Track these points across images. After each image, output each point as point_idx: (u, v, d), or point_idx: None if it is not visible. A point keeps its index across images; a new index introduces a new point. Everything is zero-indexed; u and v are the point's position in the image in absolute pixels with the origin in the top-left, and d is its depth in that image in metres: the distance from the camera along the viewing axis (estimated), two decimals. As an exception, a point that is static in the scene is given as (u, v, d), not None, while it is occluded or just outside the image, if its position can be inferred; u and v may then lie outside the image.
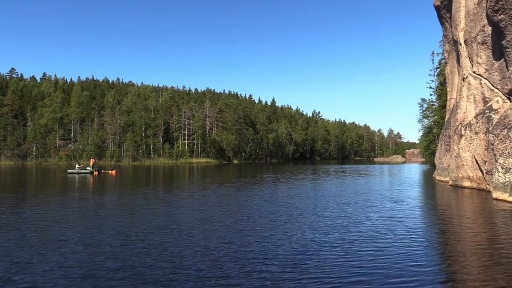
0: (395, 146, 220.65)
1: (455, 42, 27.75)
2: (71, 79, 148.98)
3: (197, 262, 8.06)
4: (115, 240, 10.11)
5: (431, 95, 77.54)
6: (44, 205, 16.93)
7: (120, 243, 9.72)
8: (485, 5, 21.51)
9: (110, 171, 47.35)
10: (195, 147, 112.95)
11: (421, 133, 77.22)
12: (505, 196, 17.77)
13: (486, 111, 21.74)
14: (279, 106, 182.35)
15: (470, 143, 22.82)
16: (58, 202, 17.80)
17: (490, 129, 20.27)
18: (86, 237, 10.49)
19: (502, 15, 19.28)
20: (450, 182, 26.20)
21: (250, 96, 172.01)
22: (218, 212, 14.91)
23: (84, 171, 45.50)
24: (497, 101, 21.52)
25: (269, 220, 13.07)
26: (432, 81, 65.62)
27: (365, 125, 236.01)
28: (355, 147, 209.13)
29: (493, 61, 21.89)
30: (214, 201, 18.17)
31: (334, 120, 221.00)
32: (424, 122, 71.14)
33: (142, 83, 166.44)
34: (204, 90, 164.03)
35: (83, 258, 8.36)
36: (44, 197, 20.27)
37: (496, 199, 18.11)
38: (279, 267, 7.74)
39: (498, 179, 18.40)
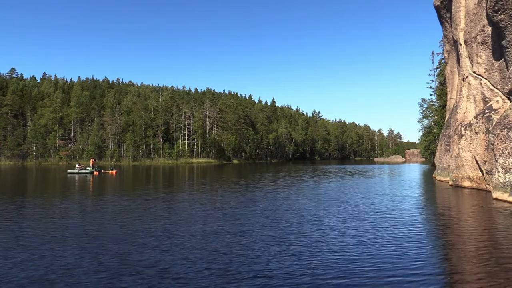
0: (395, 146, 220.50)
1: (455, 42, 27.76)
2: (71, 79, 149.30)
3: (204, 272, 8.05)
4: (115, 243, 10.11)
5: (431, 95, 77.54)
6: (45, 205, 16.93)
7: (120, 248, 9.72)
8: (485, 5, 21.52)
9: (110, 171, 47.36)
10: (195, 147, 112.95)
11: (421, 133, 77.24)
12: (505, 196, 17.78)
13: (486, 111, 21.74)
14: (279, 106, 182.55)
15: (470, 143, 22.82)
16: (59, 203, 17.80)
17: (490, 129, 20.28)
18: (85, 239, 10.50)
19: (502, 15, 19.29)
20: (450, 182, 26.20)
21: (250, 96, 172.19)
22: (225, 217, 14.89)
23: (84, 171, 45.50)
24: (497, 101, 21.53)
25: (278, 225, 13.05)
26: (432, 81, 65.66)
27: (365, 125, 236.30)
28: (355, 147, 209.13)
29: (493, 61, 21.90)
30: (220, 205, 18.17)
31: (334, 120, 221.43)
32: (424, 122, 71.14)
33: (142, 83, 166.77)
34: (204, 90, 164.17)
35: (84, 261, 8.38)
36: (44, 197, 20.27)
37: (496, 199, 18.11)
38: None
39: (498, 179, 18.40)
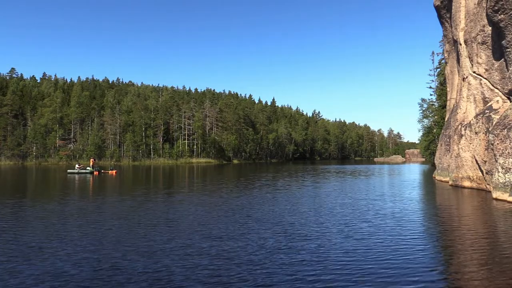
0: (395, 146, 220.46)
1: (455, 42, 27.74)
2: (71, 79, 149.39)
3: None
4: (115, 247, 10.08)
5: (431, 95, 77.49)
6: (42, 207, 16.91)
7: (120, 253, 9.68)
8: (485, 5, 21.50)
9: (110, 171, 47.36)
10: (195, 147, 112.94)
11: (421, 133, 77.22)
12: (505, 196, 17.76)
13: (486, 111, 21.72)
14: (279, 106, 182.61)
15: (470, 143, 22.81)
16: (57, 204, 17.78)
17: (490, 129, 20.26)
18: (86, 241, 10.46)
19: (502, 15, 19.28)
20: (450, 182, 26.18)
21: (250, 96, 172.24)
22: (225, 220, 14.83)
23: (84, 171, 45.49)
24: (497, 101, 21.51)
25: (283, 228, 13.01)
26: (432, 81, 65.66)
27: (365, 125, 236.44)
28: (355, 147, 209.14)
29: (493, 61, 21.88)
30: (219, 207, 18.15)
31: (334, 120, 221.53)
32: (424, 122, 71.13)
33: (142, 83, 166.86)
34: (204, 90, 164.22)
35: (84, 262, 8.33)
36: (43, 198, 20.25)
37: (496, 199, 18.09)
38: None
39: (498, 179, 18.38)
